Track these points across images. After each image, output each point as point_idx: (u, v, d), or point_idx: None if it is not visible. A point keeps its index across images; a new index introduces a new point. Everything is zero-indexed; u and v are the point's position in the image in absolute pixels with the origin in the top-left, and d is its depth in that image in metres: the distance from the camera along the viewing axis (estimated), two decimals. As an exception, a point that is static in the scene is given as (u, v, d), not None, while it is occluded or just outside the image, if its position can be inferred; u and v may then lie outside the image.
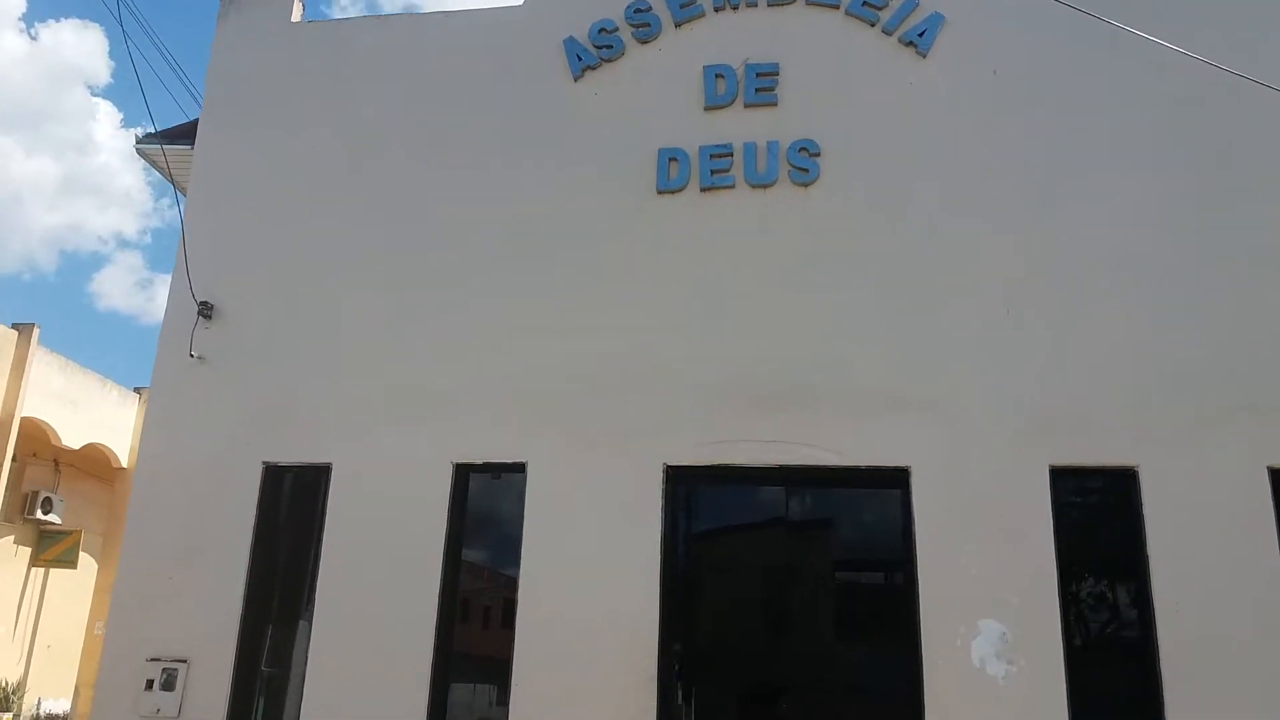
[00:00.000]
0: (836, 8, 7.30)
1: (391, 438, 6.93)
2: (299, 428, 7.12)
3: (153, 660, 6.76)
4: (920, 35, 7.15)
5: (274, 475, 7.16)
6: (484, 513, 7.03)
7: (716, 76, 7.36)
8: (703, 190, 7.12)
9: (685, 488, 6.70)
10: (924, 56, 7.12)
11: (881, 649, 6.36)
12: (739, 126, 7.19)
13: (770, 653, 6.57)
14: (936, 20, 7.13)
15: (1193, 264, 6.41)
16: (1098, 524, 6.29)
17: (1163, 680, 5.72)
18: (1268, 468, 5.92)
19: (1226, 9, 6.88)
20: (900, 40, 7.18)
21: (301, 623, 6.96)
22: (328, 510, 6.95)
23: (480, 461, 6.87)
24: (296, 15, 8.25)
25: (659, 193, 7.17)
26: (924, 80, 7.07)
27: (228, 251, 7.62)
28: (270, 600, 7.01)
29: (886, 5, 7.21)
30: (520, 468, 6.79)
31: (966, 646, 5.91)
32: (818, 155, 7.03)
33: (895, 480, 6.40)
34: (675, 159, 7.21)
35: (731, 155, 7.15)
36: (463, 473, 6.92)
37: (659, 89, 7.40)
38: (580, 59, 7.57)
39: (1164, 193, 6.56)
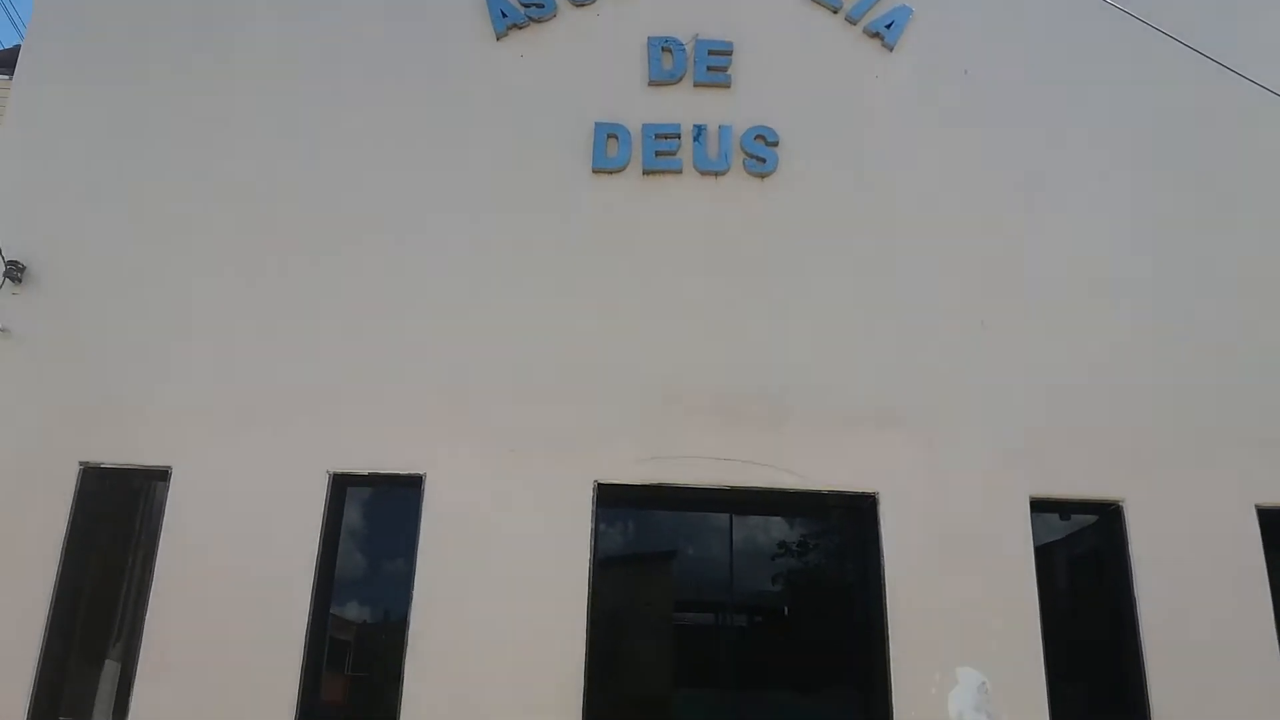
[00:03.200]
0: (796, -11, 6.81)
1: (250, 440, 5.81)
2: (129, 423, 5.88)
3: (-97, 718, 5.24)
4: (887, 27, 6.78)
5: (94, 480, 5.85)
6: (367, 536, 5.91)
7: (663, 50, 6.73)
8: (646, 173, 6.45)
9: (618, 509, 5.82)
10: (890, 49, 6.75)
11: (846, 699, 5.65)
12: (688, 107, 6.58)
13: (714, 702, 5.72)
14: (904, 13, 6.80)
15: (1184, 291, 6.24)
16: (1082, 561, 5.87)
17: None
18: (1256, 506, 5.69)
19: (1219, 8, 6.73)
20: (865, 31, 6.80)
21: (111, 663, 5.62)
22: (163, 526, 5.70)
23: (364, 472, 5.83)
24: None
25: (595, 171, 6.46)
26: (891, 74, 6.70)
27: (48, 206, 6.33)
28: (78, 634, 5.65)
29: (849, -9, 6.78)
30: (416, 481, 5.79)
31: (943, 698, 5.31)
32: (775, 145, 6.49)
33: (860, 508, 5.80)
34: (614, 135, 6.51)
35: (679, 137, 6.52)
36: (340, 485, 5.87)
37: (597, 57, 6.71)
38: (505, 15, 6.78)
39: (1153, 211, 6.39)
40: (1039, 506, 5.72)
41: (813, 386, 5.92)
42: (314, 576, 5.57)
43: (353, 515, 5.90)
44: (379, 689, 5.57)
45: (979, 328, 6.03)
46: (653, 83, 6.65)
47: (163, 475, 5.78)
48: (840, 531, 6.06)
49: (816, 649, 5.89)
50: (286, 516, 5.66)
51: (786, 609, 6.14)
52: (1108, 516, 5.79)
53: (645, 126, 6.50)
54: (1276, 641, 5.45)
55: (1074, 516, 5.91)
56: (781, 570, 6.02)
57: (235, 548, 5.57)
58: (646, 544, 6.19)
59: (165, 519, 5.67)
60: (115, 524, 5.93)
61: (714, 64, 6.69)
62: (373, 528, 5.95)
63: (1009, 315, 6.09)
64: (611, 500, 5.77)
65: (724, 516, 5.97)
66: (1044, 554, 5.67)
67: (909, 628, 5.44)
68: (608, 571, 5.73)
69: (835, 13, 6.81)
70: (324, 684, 5.66)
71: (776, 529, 6.05)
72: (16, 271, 6.04)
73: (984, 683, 5.33)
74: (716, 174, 6.42)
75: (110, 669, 5.73)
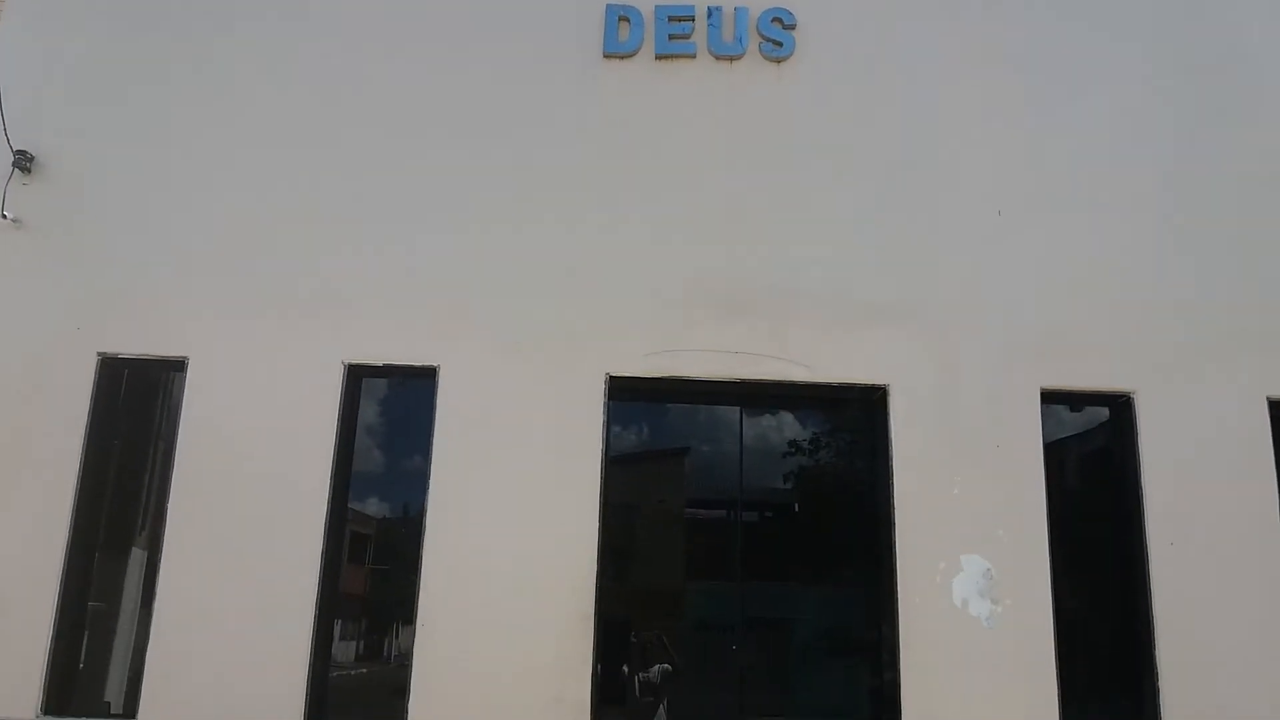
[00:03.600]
0: None
1: (265, 331, 5.83)
2: (145, 314, 5.90)
3: (-52, 595, 5.46)
4: (908, -92, 6.42)
5: (112, 370, 5.90)
6: (383, 427, 5.99)
7: (674, -75, 6.42)
8: (658, 58, 6.28)
9: (630, 404, 5.86)
10: (911, -68, 6.40)
11: (852, 586, 5.82)
12: (702, -13, 6.31)
13: (723, 591, 5.87)
14: (930, -114, 6.41)
15: (1202, 184, 6.08)
16: (1090, 452, 5.89)
17: (1155, 619, 5.38)
18: (1268, 398, 5.66)
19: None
20: (885, -90, 6.44)
21: (138, 551, 5.78)
22: (182, 417, 5.74)
23: (379, 363, 5.85)
24: None
25: (606, 56, 6.27)
26: (910, -42, 6.37)
27: (56, 90, 6.24)
28: (103, 520, 5.84)
29: None
30: (430, 373, 5.81)
31: (947, 584, 5.42)
32: (793, 28, 6.29)
33: (871, 401, 5.82)
34: (626, 18, 6.32)
35: (693, 20, 6.33)
36: (356, 376, 5.89)
37: (605, -68, 6.40)
38: (510, -110, 6.45)
39: (1173, 104, 6.20)
40: (1050, 398, 5.72)
41: (825, 279, 5.87)
42: (332, 466, 5.66)
43: (369, 410, 5.96)
44: (398, 581, 5.72)
45: (994, 219, 5.93)
46: (664, -40, 6.40)
47: (180, 366, 5.84)
48: (851, 429, 6.10)
49: (826, 543, 5.99)
50: (303, 407, 5.72)
51: (796, 505, 6.22)
52: (1118, 409, 5.79)
53: (658, 8, 6.30)
54: (1282, 531, 5.49)
55: (1085, 412, 5.90)
56: (792, 467, 6.08)
57: (254, 438, 5.66)
58: (659, 441, 6.23)
59: (184, 410, 5.75)
60: (135, 416, 6.02)
61: (728, -60, 6.43)
62: (389, 422, 6.02)
63: (1024, 206, 5.98)
64: (623, 393, 5.80)
65: (735, 413, 5.99)
66: (1054, 451, 5.68)
67: (916, 517, 5.52)
68: (620, 467, 5.81)
69: (855, -109, 6.49)
70: (345, 576, 5.82)
71: (788, 427, 6.08)
72: (25, 161, 5.99)
73: (989, 569, 5.43)
74: (731, 58, 6.25)
75: (137, 556, 5.90)
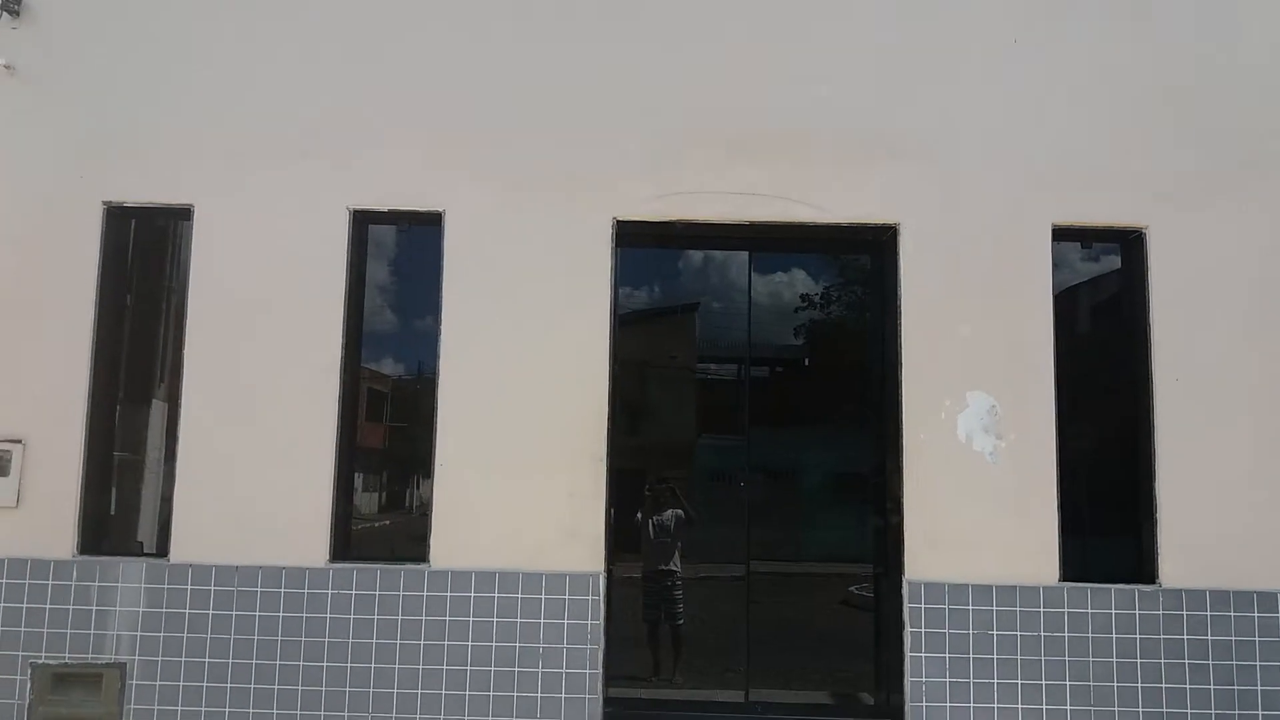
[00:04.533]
0: None
1: (269, 175, 5.80)
2: (147, 160, 5.85)
3: (-25, 441, 5.64)
4: None
5: (119, 219, 5.93)
6: (392, 283, 6.02)
7: None
8: None
9: (638, 252, 5.86)
10: None
11: (859, 434, 5.91)
12: None
13: (733, 445, 6.00)
14: None
15: (1222, 10, 5.83)
16: (1099, 296, 5.87)
17: (1156, 455, 5.47)
18: (1285, 231, 5.55)
19: None
20: None
21: (158, 403, 5.91)
22: (191, 266, 5.77)
23: (384, 208, 5.82)
24: None
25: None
26: None
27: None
28: (121, 372, 5.95)
29: None
30: (435, 218, 5.79)
31: (952, 421, 5.49)
32: None
33: (880, 241, 5.79)
34: None
35: None
36: (362, 222, 5.88)
37: None
38: None
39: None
40: (1061, 235, 5.66)
41: (835, 115, 5.73)
42: (343, 315, 5.72)
43: (378, 267, 5.97)
44: (416, 437, 5.85)
45: (1010, 46, 5.75)
46: None
47: (186, 214, 5.85)
48: (860, 281, 6.08)
49: (834, 395, 6.09)
50: (311, 255, 5.73)
51: (806, 360, 6.28)
52: (1129, 245, 5.74)
53: None
54: (1289, 367, 5.52)
55: (1097, 254, 5.85)
56: (803, 322, 6.11)
57: (263, 288, 5.69)
58: (669, 297, 6.23)
59: (192, 260, 5.78)
60: (146, 267, 6.05)
61: None
62: (398, 276, 6.02)
63: (1039, 36, 5.77)
64: (630, 239, 5.78)
65: (744, 269, 5.98)
66: (1064, 298, 5.68)
67: (923, 357, 5.55)
68: (630, 325, 5.86)
69: None
70: (364, 431, 5.96)
71: (799, 282, 6.08)
72: (13, 4, 5.84)
73: (994, 405, 5.50)
74: (737, -115, 5.94)
75: (158, 408, 6.03)
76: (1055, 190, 5.65)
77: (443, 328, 5.68)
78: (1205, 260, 5.58)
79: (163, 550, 5.64)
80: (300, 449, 5.61)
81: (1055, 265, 5.66)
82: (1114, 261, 5.88)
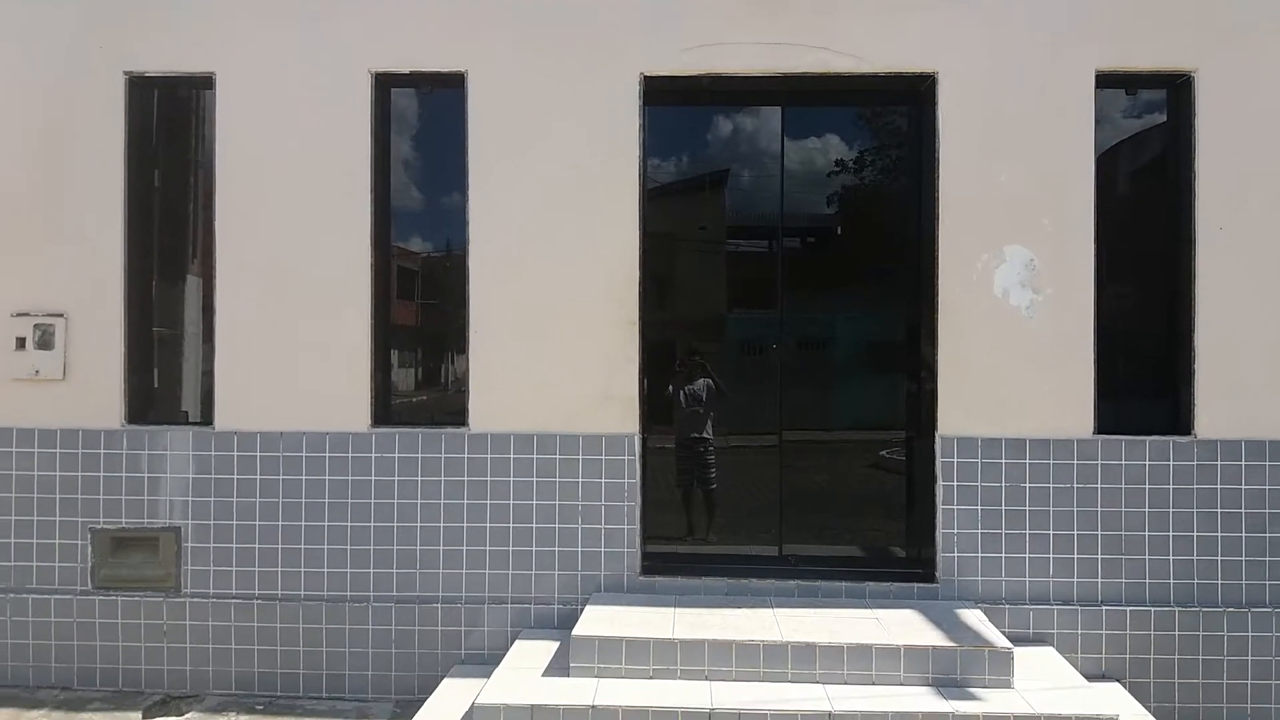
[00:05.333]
0: None
1: (289, 39, 5.71)
2: (165, 28, 5.78)
3: (20, 315, 5.71)
4: None
5: (141, 90, 5.88)
6: (415, 150, 5.94)
7: None
8: None
9: (666, 107, 5.73)
10: None
11: (892, 295, 5.85)
12: None
13: (763, 309, 5.95)
14: None
15: None
16: (1143, 137, 5.70)
17: (1197, 306, 5.41)
18: (1340, 71, 5.32)
19: None
20: None
21: (193, 278, 5.96)
22: (216, 138, 5.73)
23: (406, 70, 5.71)
24: None
25: None
26: None
27: None
28: (155, 247, 5.98)
29: None
30: (458, 80, 5.69)
31: (989, 276, 5.43)
32: None
33: (918, 91, 5.63)
34: None
35: None
36: (384, 86, 5.79)
37: None
38: None
39: None
40: (1104, 81, 5.47)
41: (872, -40, 5.51)
42: (370, 180, 5.68)
43: (402, 141, 5.89)
44: (448, 313, 5.88)
45: (1060, -117, 5.45)
46: None
47: (208, 83, 5.77)
48: (896, 145, 5.91)
49: (867, 261, 5.99)
50: (335, 121, 5.68)
51: (839, 228, 6.19)
52: (1176, 90, 5.54)
53: None
54: (1338, 215, 5.38)
55: (1140, 110, 5.66)
56: (836, 189, 5.98)
57: (290, 157, 5.66)
58: (697, 167, 6.11)
59: (217, 131, 5.74)
60: (171, 140, 6.02)
61: None
62: (422, 149, 5.94)
63: None
64: (659, 95, 5.65)
65: (776, 135, 5.83)
66: (1106, 156, 5.54)
67: (961, 210, 5.46)
68: (658, 198, 5.79)
69: None
70: (397, 310, 5.99)
71: (833, 148, 5.92)
72: None
73: (1032, 259, 5.43)
74: None
75: (193, 284, 6.08)
76: (1098, 33, 5.43)
77: (470, 194, 5.65)
78: (1255, 105, 5.39)
79: (207, 419, 5.78)
80: (336, 317, 5.67)
81: (1099, 122, 5.49)
82: (1157, 118, 5.69)
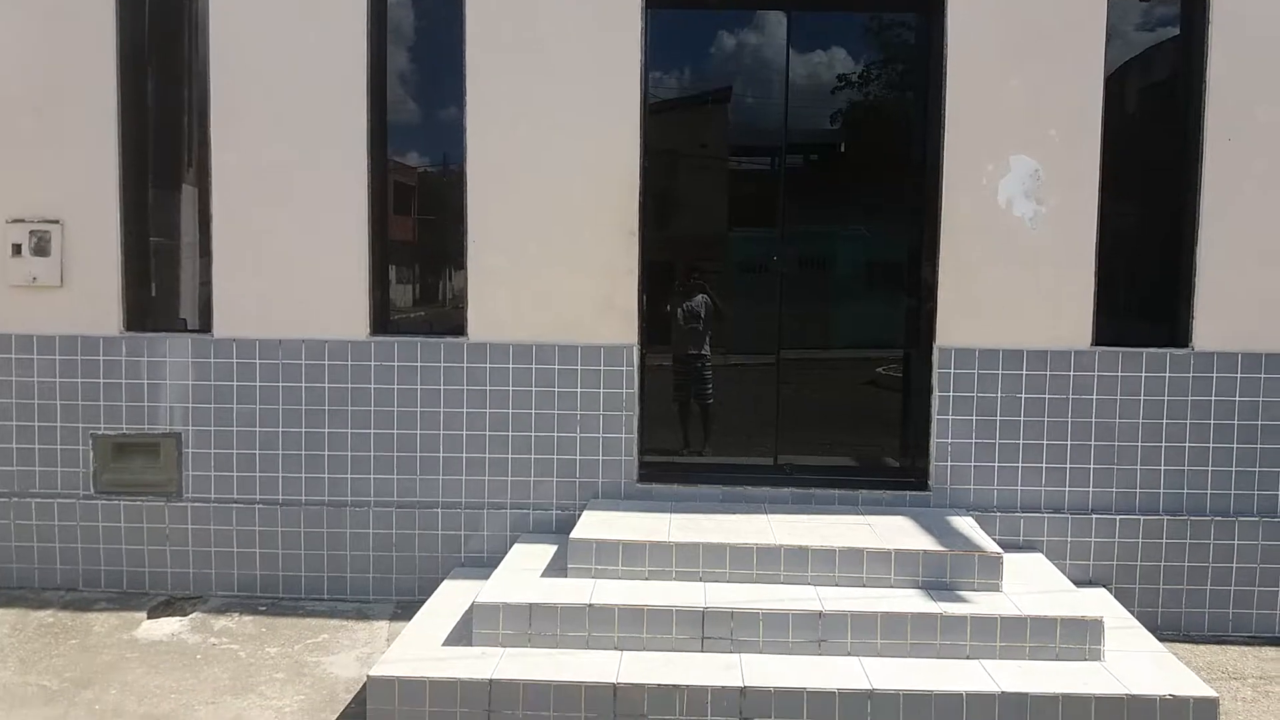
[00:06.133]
0: None
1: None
2: (153, -74, 5.61)
3: (16, 221, 5.69)
4: None
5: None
6: (411, 62, 5.85)
7: None
8: None
9: (669, 9, 5.63)
10: None
11: (895, 212, 5.81)
12: None
13: (765, 228, 5.92)
14: None
15: None
16: (1154, 53, 5.62)
17: (1200, 219, 5.40)
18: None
19: None
20: None
21: (188, 187, 5.92)
22: (210, 46, 5.64)
23: (400, -22, 5.59)
24: None
25: None
26: None
27: None
28: (150, 156, 5.94)
29: None
30: (454, -20, 5.57)
31: (994, 186, 5.41)
32: None
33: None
34: None
35: None
36: (378, -8, 5.67)
37: None
38: None
39: None
40: (1115, -14, 5.39)
41: None
42: (366, 89, 5.61)
43: (397, 49, 5.79)
44: (446, 229, 5.85)
45: None
46: None
47: (199, -15, 5.69)
48: (902, 59, 5.82)
49: (871, 179, 5.94)
50: (330, 27, 5.59)
51: (843, 146, 6.12)
52: (1190, -2, 5.46)
53: None
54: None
55: (1153, 24, 5.58)
56: (841, 105, 5.90)
57: (284, 65, 5.59)
58: (700, 83, 6.01)
59: (210, 39, 5.64)
60: (164, 47, 5.92)
61: None
62: (417, 60, 5.85)
63: None
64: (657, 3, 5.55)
65: (781, 48, 5.72)
66: (1117, 75, 5.49)
67: (968, 118, 5.40)
68: (659, 114, 5.70)
69: None
70: (394, 226, 5.95)
71: (839, 62, 5.82)
72: None
73: (1037, 169, 5.39)
74: None
75: (189, 193, 6.04)
76: (1114, -66, 5.32)
77: (467, 105, 5.58)
78: (1267, 13, 5.29)
79: (206, 327, 5.79)
80: (334, 225, 5.65)
81: (1112, 36, 5.41)
82: (1170, 31, 5.60)
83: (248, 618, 5.48)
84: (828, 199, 6.08)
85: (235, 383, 5.73)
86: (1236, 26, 5.32)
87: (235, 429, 5.74)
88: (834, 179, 6.11)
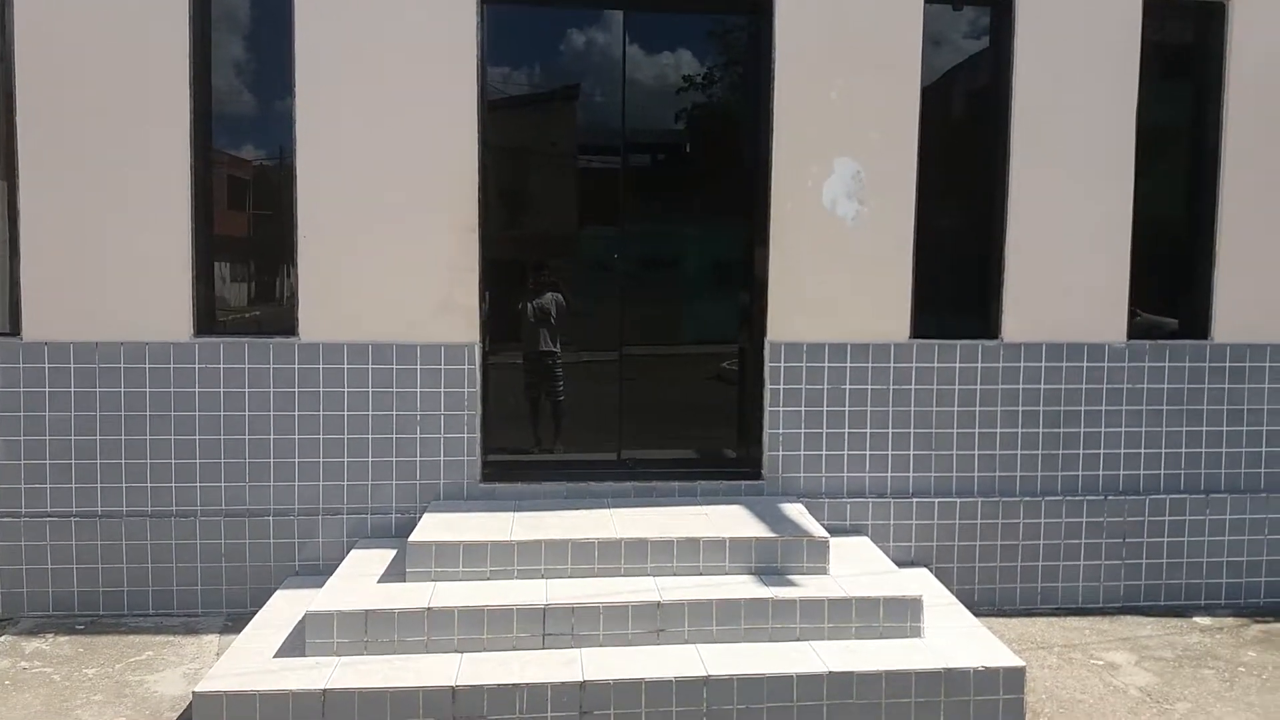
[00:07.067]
0: None
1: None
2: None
3: None
4: None
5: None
6: (245, 42, 5.62)
7: None
8: None
9: (502, 4, 5.61)
10: None
11: (736, 212, 5.96)
12: None
13: (612, 227, 5.97)
14: None
15: None
16: (971, 63, 5.97)
17: (1008, 221, 5.80)
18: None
19: None
20: None
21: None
22: (15, 28, 5.33)
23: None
24: None
25: None
26: None
27: None
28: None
29: None
30: (285, -26, 5.39)
31: (819, 188, 5.63)
32: None
33: (755, 4, 5.67)
34: None
35: None
36: (202, -19, 5.43)
37: None
38: None
39: None
40: (931, -2, 5.71)
41: None
42: (189, 75, 5.38)
43: (228, 36, 5.56)
44: (282, 224, 5.63)
45: None
46: None
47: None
48: (743, 62, 5.96)
49: (713, 179, 6.05)
50: (147, 10, 5.32)
51: (688, 145, 6.23)
52: (999, 10, 5.80)
53: None
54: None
55: (976, 33, 5.92)
56: (685, 105, 6.00)
57: (100, 51, 5.30)
58: (547, 80, 6.01)
59: (16, 20, 5.28)
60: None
61: None
62: (251, 47, 5.63)
63: None
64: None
65: (620, 42, 5.79)
66: (938, 84, 5.80)
67: (795, 122, 5.61)
68: (505, 109, 5.69)
69: None
70: (227, 221, 5.72)
71: (684, 63, 5.91)
72: None
73: (858, 171, 5.65)
74: None
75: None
76: (928, -50, 5.62)
77: (297, 94, 5.42)
78: (1069, 26, 5.70)
79: (15, 330, 5.43)
80: (154, 221, 5.39)
81: (938, 44, 5.75)
82: (984, 43, 5.96)
83: (63, 638, 5.18)
84: (669, 198, 6.17)
85: (48, 389, 5.40)
86: (1036, 38, 5.71)
87: (48, 438, 5.41)
88: (676, 178, 6.22)
